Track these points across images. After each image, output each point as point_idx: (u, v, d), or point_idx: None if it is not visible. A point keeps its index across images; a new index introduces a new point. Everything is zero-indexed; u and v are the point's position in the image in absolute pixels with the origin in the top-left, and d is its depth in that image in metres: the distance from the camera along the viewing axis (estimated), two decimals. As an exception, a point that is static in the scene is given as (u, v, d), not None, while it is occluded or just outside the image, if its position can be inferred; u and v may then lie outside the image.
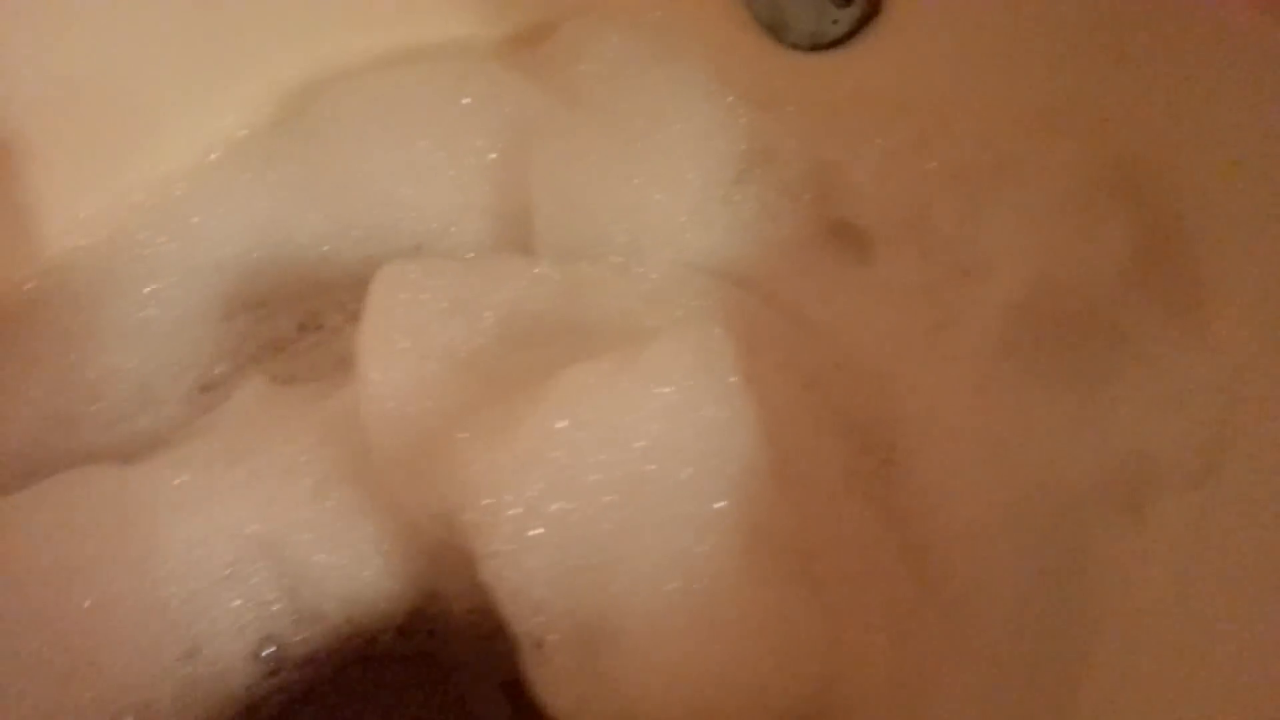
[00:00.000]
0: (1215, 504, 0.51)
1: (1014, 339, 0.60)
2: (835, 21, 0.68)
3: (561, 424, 0.48)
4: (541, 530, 0.48)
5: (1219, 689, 0.45)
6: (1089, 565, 0.53)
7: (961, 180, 0.65)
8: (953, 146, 0.66)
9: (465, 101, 0.70)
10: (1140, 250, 0.60)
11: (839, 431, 0.58)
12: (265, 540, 0.54)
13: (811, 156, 0.68)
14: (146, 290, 0.64)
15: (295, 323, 0.67)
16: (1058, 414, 0.57)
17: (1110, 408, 0.57)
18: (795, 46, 0.70)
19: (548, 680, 0.49)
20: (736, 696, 0.49)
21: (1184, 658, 0.48)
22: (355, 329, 0.58)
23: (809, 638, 0.50)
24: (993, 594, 0.53)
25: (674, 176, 0.65)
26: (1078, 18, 0.63)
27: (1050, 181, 0.63)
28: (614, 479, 0.49)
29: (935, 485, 0.57)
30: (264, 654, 0.54)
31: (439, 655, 0.56)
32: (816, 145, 0.68)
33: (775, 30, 0.69)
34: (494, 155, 0.69)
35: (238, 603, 0.53)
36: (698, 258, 0.66)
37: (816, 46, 0.69)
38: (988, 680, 0.51)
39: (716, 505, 0.50)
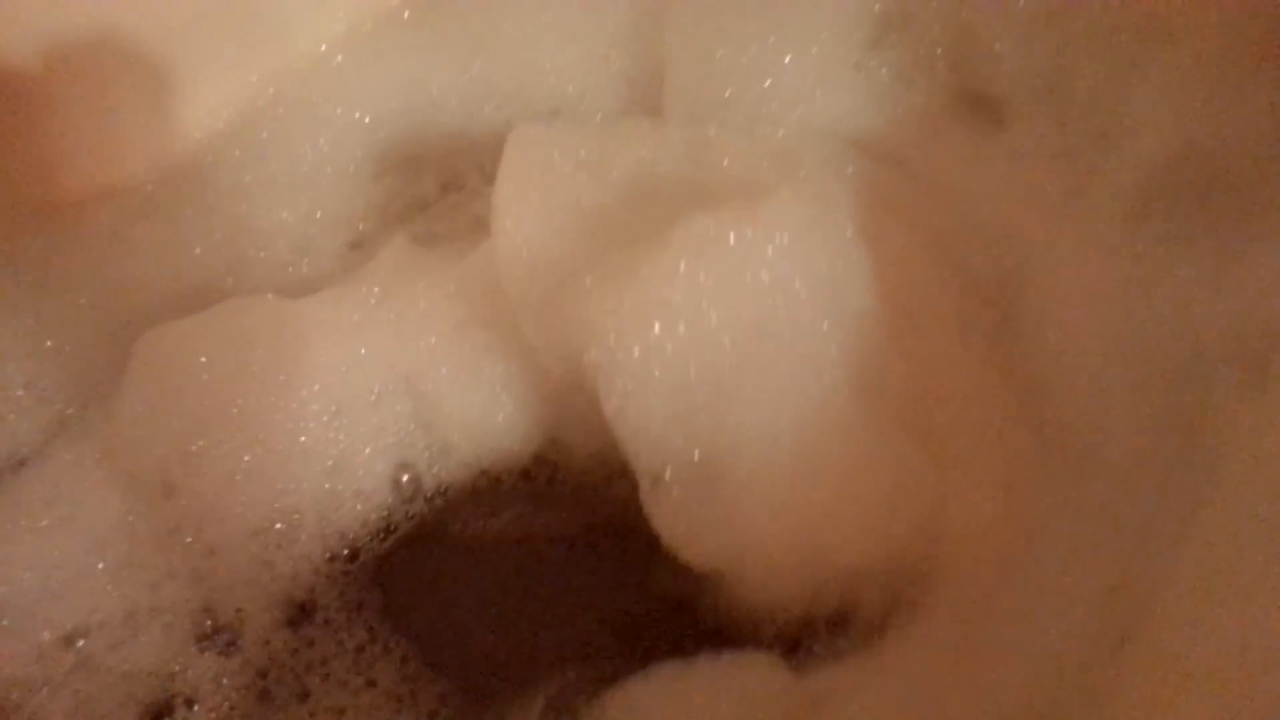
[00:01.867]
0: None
1: (1150, 204, 0.59)
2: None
3: (682, 268, 0.50)
4: (660, 369, 0.51)
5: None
6: (1209, 425, 0.52)
7: (1106, 43, 0.63)
8: (1100, 6, 0.64)
9: (605, -35, 0.72)
10: (1287, 117, 0.57)
11: (961, 289, 0.59)
12: (407, 374, 0.58)
13: (950, 21, 0.67)
14: (307, 149, 0.69)
15: (439, 182, 0.71)
16: (1188, 277, 0.56)
17: (1241, 273, 0.56)
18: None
19: (665, 513, 0.52)
20: (843, 534, 0.52)
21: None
22: (492, 191, 0.62)
23: (918, 483, 0.52)
24: (1110, 450, 0.53)
25: (806, 39, 0.65)
26: None
27: (1198, 43, 0.60)
28: (730, 321, 0.51)
29: (1057, 342, 0.58)
30: (402, 479, 0.59)
31: (560, 497, 0.60)
32: (956, 9, 0.67)
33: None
34: (631, 20, 0.71)
35: (380, 428, 0.58)
36: (827, 123, 0.66)
37: (964, -97, 0.67)
38: (1098, 535, 0.52)
39: (830, 350, 0.52)
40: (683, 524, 0.52)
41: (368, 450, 0.58)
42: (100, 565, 0.55)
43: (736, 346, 0.51)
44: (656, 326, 0.51)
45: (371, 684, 0.55)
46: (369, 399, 0.58)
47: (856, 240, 0.53)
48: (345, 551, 0.58)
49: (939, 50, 0.67)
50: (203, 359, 0.57)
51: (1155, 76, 0.61)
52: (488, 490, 0.60)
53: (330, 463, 0.57)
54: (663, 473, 0.52)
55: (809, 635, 0.53)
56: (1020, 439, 0.55)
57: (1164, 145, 0.60)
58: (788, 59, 0.65)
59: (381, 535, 0.59)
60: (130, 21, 0.65)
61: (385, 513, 0.59)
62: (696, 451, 0.51)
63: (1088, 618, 0.50)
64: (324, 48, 0.72)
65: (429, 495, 0.60)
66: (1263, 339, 0.54)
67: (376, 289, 0.59)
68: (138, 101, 0.67)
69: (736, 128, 0.64)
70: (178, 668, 0.54)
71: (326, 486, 0.57)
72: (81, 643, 0.54)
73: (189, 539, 0.56)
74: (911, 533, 0.52)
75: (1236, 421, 0.52)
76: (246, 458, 0.56)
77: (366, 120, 0.71)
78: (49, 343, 0.63)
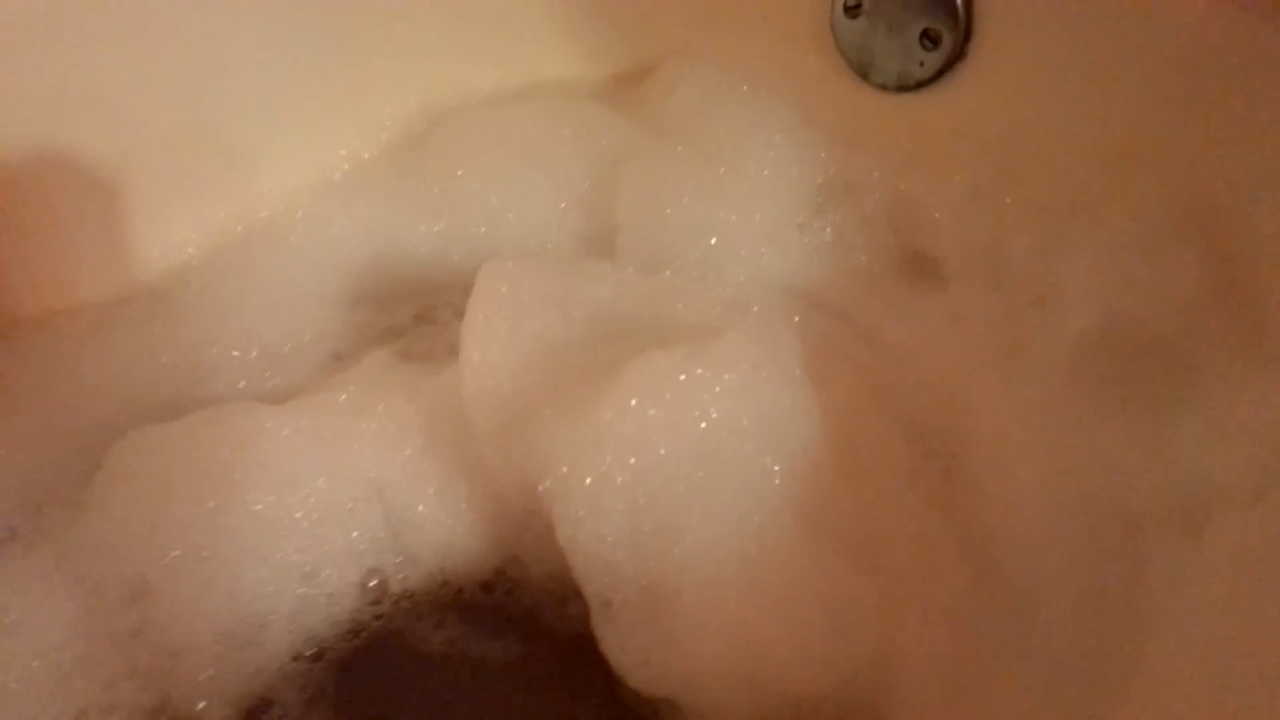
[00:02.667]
0: (1272, 520, 0.52)
1: (1083, 367, 0.62)
2: (922, 64, 0.71)
3: (634, 402, 0.52)
4: (610, 498, 0.52)
5: (1268, 696, 0.46)
6: (1147, 578, 0.54)
7: (1038, 216, 0.67)
8: (1031, 184, 0.69)
9: (566, 133, 0.76)
10: (1208, 287, 0.61)
11: (905, 437, 0.61)
12: (380, 484, 0.60)
13: (891, 190, 0.72)
14: (280, 278, 0.72)
15: (412, 314, 0.74)
16: (1122, 438, 0.59)
17: (1173, 434, 0.58)
18: (882, 87, 0.73)
19: (614, 638, 0.52)
20: (789, 661, 0.52)
21: (1236, 665, 0.48)
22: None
23: (863, 616, 0.53)
24: (1052, 597, 0.54)
25: (753, 202, 0.70)
26: (1154, 63, 0.65)
27: (1124, 219, 0.65)
28: (680, 455, 0.52)
29: (998, 496, 0.59)
30: (370, 584, 0.60)
31: (517, 611, 0.60)
32: (896, 180, 0.72)
33: (864, 71, 0.73)
34: (588, 182, 0.75)
35: (355, 535, 0.59)
36: (774, 277, 0.70)
37: (903, 88, 0.72)
38: (1045, 678, 0.53)
39: (776, 485, 0.53)
40: (631, 650, 0.52)
41: (341, 556, 0.59)
42: (50, 670, 0.54)
43: (684, 478, 0.52)
44: (608, 458, 0.52)
45: None
46: (346, 507, 0.59)
47: (803, 381, 0.55)
48: (311, 651, 0.58)
49: (880, 215, 0.71)
50: (182, 464, 0.57)
51: (1084, 249, 0.65)
52: (450, 599, 0.61)
53: (307, 569, 0.58)
54: (612, 598, 0.52)
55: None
56: (964, 580, 0.56)
57: (1095, 312, 0.63)
58: (733, 218, 0.69)
59: (349, 635, 0.59)
60: (90, 147, 0.67)
61: (353, 614, 0.59)
62: (645, 578, 0.52)
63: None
64: (293, 194, 0.75)
65: (395, 598, 0.60)
66: (1196, 497, 0.56)
67: (357, 398, 0.61)
68: (97, 224, 0.69)
69: (689, 276, 0.67)
70: None
71: (300, 591, 0.58)
72: None
73: (154, 639, 0.55)
74: (858, 662, 0.52)
75: (1175, 574, 0.53)
76: (226, 563, 0.56)
77: (340, 259, 0.74)
78: (3, 450, 0.63)
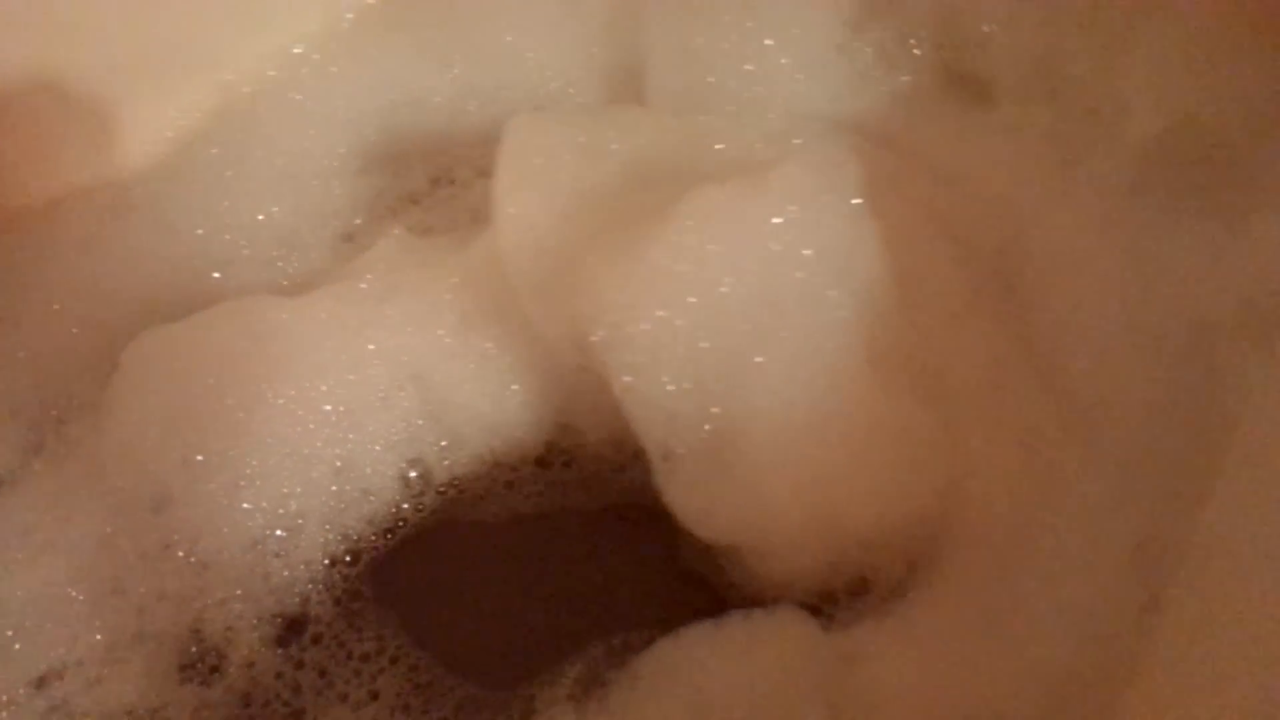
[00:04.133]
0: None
1: (1145, 176, 0.59)
2: None
3: (688, 239, 0.50)
4: (669, 343, 0.50)
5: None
6: (1218, 388, 0.52)
7: (1095, 19, 0.63)
8: (1091, -16, 0.64)
9: (585, -41, 0.71)
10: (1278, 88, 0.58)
11: (963, 260, 0.58)
12: (415, 369, 0.57)
13: (934, 2, 0.67)
14: (288, 144, 0.68)
15: (428, 177, 0.69)
16: (1189, 247, 0.57)
17: (1242, 241, 0.56)
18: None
19: (678, 489, 0.51)
20: (860, 501, 0.51)
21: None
22: (485, 183, 0.60)
23: (933, 447, 0.52)
24: (1121, 411, 0.53)
25: (786, 23, 0.65)
26: None
27: (1189, 16, 0.60)
28: (742, 292, 0.50)
29: (1062, 311, 0.58)
30: (411, 475, 0.57)
31: (575, 483, 0.59)
32: (940, -10, 0.67)
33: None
34: (608, 14, 0.70)
35: (389, 424, 0.57)
36: (813, 106, 0.66)
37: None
38: (1119, 494, 0.52)
39: (840, 319, 0.51)
40: (696, 499, 0.51)
41: (377, 448, 0.56)
42: (82, 595, 0.53)
43: (747, 317, 0.50)
44: (665, 300, 0.50)
45: (374, 696, 0.53)
46: (378, 396, 0.56)
47: (862, 211, 0.52)
48: (348, 556, 0.56)
49: (923, 31, 0.67)
50: (198, 364, 0.55)
51: (1147, 51, 0.61)
52: (501, 481, 0.59)
53: (338, 464, 0.56)
54: (674, 448, 0.51)
55: (829, 603, 0.52)
56: (1034, 400, 0.55)
57: (1158, 119, 0.60)
58: (768, 43, 0.65)
59: (388, 534, 0.57)
60: (91, 18, 0.63)
61: (393, 510, 0.57)
62: (708, 425, 0.50)
63: (1115, 579, 0.49)
64: (299, 49, 0.71)
65: (440, 488, 0.58)
66: (1267, 306, 0.54)
67: (379, 283, 0.58)
68: (105, 97, 0.65)
69: (723, 115, 0.64)
70: (160, 703, 0.51)
71: (334, 489, 0.55)
72: (56, 684, 0.51)
73: (181, 554, 0.53)
74: (929, 497, 0.51)
75: (1248, 382, 0.52)
76: (252, 463, 0.54)
77: (349, 117, 0.69)
78: (22, 354, 0.61)
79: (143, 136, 0.67)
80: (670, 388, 0.50)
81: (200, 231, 0.64)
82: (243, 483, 0.54)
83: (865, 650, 0.49)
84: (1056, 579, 0.50)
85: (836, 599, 0.52)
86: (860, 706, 0.47)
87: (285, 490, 0.54)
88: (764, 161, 0.54)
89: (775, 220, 0.50)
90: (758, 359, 0.50)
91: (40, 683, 0.51)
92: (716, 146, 0.57)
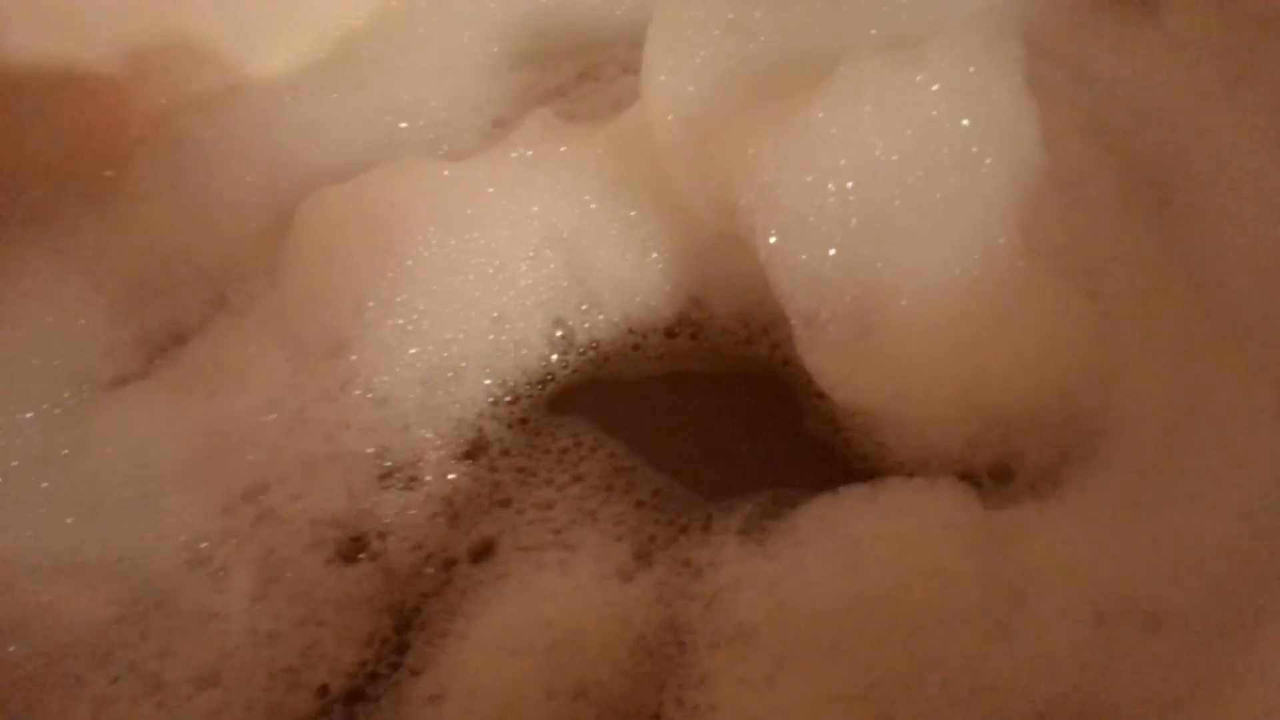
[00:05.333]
0: None
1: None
2: None
3: (843, 103, 0.49)
4: (819, 206, 0.50)
5: None
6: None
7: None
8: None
9: None
10: None
11: (1119, 170, 0.57)
12: (562, 231, 0.58)
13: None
14: (444, 42, 0.71)
15: (576, 73, 0.71)
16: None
17: None
18: None
19: (819, 353, 0.51)
20: (1005, 376, 0.50)
21: None
22: (630, 79, 0.62)
23: (1083, 335, 0.50)
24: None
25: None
26: None
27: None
28: (897, 156, 0.49)
29: (1221, 224, 0.56)
30: (556, 335, 0.59)
31: (702, 355, 0.60)
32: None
33: None
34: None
35: (538, 283, 0.59)
36: (969, 14, 0.64)
37: None
38: (1273, 403, 0.50)
39: (996, 193, 0.50)
40: (838, 363, 0.51)
41: (527, 303, 0.58)
42: (274, 420, 0.55)
43: (899, 182, 0.49)
44: (816, 162, 0.49)
45: (579, 479, 0.55)
46: (528, 254, 0.58)
47: (1024, 91, 0.51)
48: (508, 398, 0.58)
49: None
50: (366, 218, 0.57)
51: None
52: (633, 346, 0.60)
53: (495, 314, 0.58)
54: (818, 312, 0.50)
55: (971, 483, 0.51)
56: (1190, 313, 0.53)
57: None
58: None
59: (541, 384, 0.59)
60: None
61: (544, 363, 0.59)
62: (855, 289, 0.50)
63: (1274, 489, 0.47)
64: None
65: (581, 349, 0.60)
66: None
67: (529, 153, 0.59)
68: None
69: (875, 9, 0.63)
70: (366, 505, 0.54)
71: (490, 338, 0.58)
72: (262, 496, 0.54)
73: (358, 391, 0.56)
74: (1078, 381, 0.50)
75: None
76: (419, 308, 0.56)
77: (499, 16, 0.72)
78: (204, 220, 0.65)
79: (314, 33, 0.71)
80: (817, 251, 0.50)
81: (365, 116, 0.68)
82: (410, 329, 0.56)
83: (1023, 529, 0.48)
84: (1216, 482, 0.49)
85: (979, 481, 0.52)
86: (1015, 583, 0.47)
87: (448, 336, 0.57)
88: (921, 39, 0.53)
89: (934, 87, 0.49)
90: (908, 227, 0.49)
91: (247, 496, 0.54)
92: (871, 32, 0.56)
